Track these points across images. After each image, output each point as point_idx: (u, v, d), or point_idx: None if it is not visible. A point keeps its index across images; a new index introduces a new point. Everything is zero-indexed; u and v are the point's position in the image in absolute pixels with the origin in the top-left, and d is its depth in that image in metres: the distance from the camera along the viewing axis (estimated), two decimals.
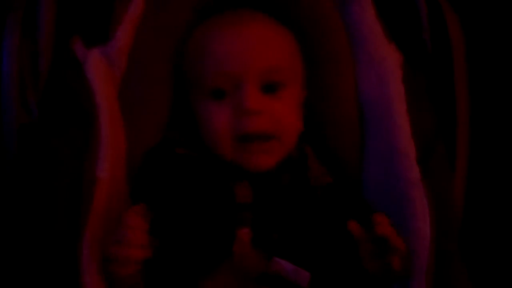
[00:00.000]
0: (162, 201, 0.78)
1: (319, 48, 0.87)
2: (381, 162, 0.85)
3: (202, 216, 0.78)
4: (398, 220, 0.81)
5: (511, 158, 0.97)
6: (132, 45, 0.84)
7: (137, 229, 0.71)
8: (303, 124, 0.84)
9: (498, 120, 0.98)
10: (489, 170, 0.97)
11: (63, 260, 0.74)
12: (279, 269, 0.76)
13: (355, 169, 0.87)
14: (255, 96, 0.79)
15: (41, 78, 0.83)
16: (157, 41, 0.85)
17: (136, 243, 0.71)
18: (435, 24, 0.91)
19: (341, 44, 0.88)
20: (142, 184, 0.81)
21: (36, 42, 0.83)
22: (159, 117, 0.85)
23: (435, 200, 0.82)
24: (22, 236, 0.77)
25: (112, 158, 0.79)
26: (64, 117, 0.80)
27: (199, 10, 0.87)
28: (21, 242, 0.77)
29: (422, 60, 0.91)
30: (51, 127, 0.80)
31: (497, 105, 0.98)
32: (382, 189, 0.85)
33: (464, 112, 0.90)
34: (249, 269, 0.76)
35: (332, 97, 0.88)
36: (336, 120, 0.88)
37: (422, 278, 0.79)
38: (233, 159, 0.80)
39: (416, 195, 0.82)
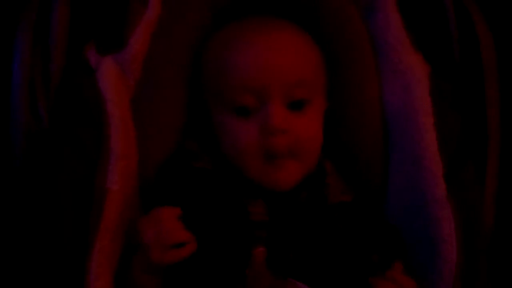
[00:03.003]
0: None
1: (342, 56, 0.84)
2: (405, 177, 0.82)
3: (216, 234, 0.75)
4: (423, 240, 0.79)
5: None
6: (147, 53, 0.81)
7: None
8: (324, 134, 0.81)
9: None
10: None
11: (71, 273, 0.72)
12: None
13: (377, 183, 0.84)
14: (282, 113, 0.75)
15: (52, 85, 0.81)
16: (173, 48, 0.82)
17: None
18: (465, 33, 0.87)
19: (365, 51, 0.85)
20: (156, 197, 0.78)
21: (48, 48, 0.81)
22: (173, 128, 0.82)
23: (462, 218, 0.79)
24: (28, 247, 0.75)
25: (123, 170, 0.76)
26: (74, 126, 0.78)
27: (217, 14, 0.84)
28: (27, 253, 0.75)
29: (450, 71, 0.88)
30: (61, 136, 0.78)
31: None
32: (406, 206, 0.82)
33: (495, 125, 0.87)
34: None
35: (355, 106, 0.84)
36: (359, 130, 0.85)
37: None
38: (256, 178, 0.77)
39: (443, 214, 0.78)
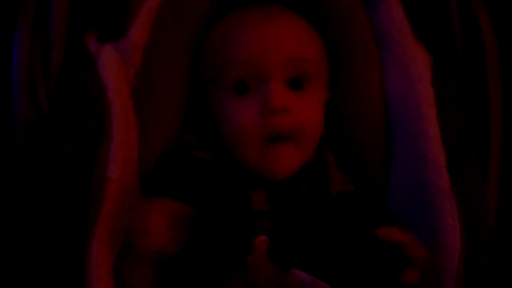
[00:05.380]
0: None
1: (344, 47, 0.84)
2: (408, 169, 0.81)
3: (217, 222, 0.74)
4: (426, 232, 0.78)
5: None
6: (148, 41, 0.80)
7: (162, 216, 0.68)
8: (325, 126, 0.80)
9: None
10: None
11: (70, 262, 0.71)
12: (296, 281, 0.72)
13: (379, 175, 0.83)
14: (281, 92, 0.75)
15: (52, 74, 0.80)
16: (174, 37, 0.82)
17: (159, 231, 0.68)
18: (467, 25, 0.88)
19: (367, 43, 0.84)
20: (156, 187, 0.77)
21: (48, 36, 0.81)
22: (174, 118, 0.82)
23: (465, 211, 0.78)
24: (27, 237, 0.74)
25: (123, 159, 0.75)
26: (74, 114, 0.77)
27: (217, 5, 0.83)
28: (26, 243, 0.74)
29: (453, 63, 0.87)
30: (61, 124, 0.77)
31: None
32: (409, 198, 0.81)
33: (497, 118, 0.86)
34: (264, 280, 0.72)
35: (356, 98, 0.84)
36: (360, 122, 0.84)
37: None
38: (255, 166, 0.76)
39: (446, 205, 0.78)
